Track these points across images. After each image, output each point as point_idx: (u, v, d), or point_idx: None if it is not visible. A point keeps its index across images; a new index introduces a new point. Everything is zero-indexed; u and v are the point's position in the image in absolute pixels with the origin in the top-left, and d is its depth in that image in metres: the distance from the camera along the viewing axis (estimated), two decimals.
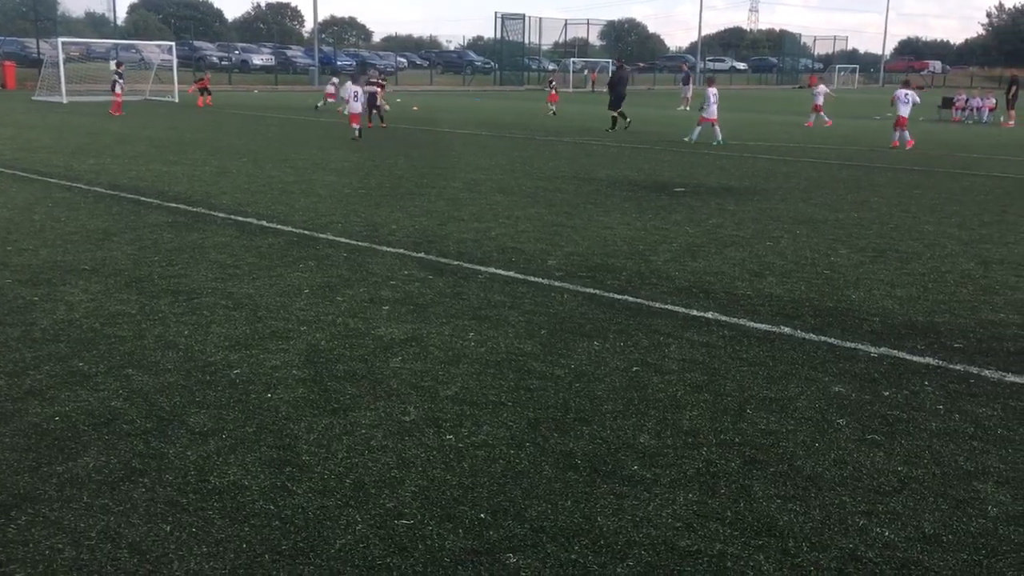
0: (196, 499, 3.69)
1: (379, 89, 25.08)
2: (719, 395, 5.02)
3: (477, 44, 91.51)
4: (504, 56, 69.43)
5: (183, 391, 4.88)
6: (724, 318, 6.52)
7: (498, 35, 69.79)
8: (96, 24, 65.44)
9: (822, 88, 29.18)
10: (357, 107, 20.77)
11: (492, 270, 7.85)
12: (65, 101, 32.34)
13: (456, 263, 8.09)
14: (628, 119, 24.39)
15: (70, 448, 4.13)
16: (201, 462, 4.03)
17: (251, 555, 3.30)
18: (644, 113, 32.21)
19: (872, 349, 5.88)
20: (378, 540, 3.42)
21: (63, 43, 34.27)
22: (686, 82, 40.87)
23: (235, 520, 3.54)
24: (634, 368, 5.42)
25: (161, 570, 3.18)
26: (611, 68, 27.59)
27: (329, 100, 31.20)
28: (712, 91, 20.87)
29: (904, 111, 20.49)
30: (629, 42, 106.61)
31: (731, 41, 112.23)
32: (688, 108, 37.21)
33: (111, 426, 4.39)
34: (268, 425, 4.46)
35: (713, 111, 20.88)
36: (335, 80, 32.64)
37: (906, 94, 20.52)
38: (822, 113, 28.74)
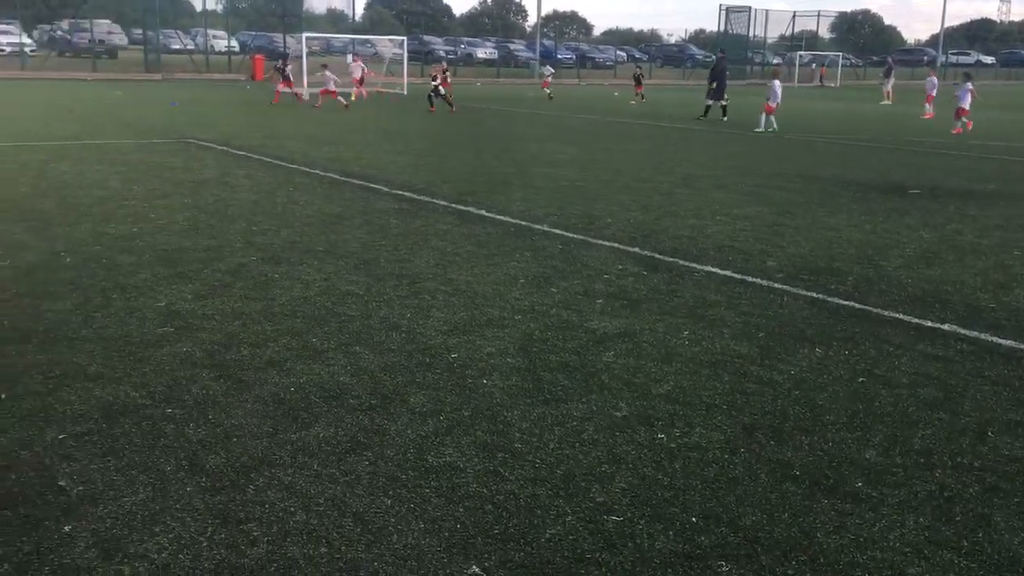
0: (414, 476, 3.83)
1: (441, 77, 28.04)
2: (956, 414, 4.65)
3: (699, 37, 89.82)
4: (727, 50, 67.68)
5: (405, 371, 5.09)
6: (963, 331, 6.04)
7: (721, 28, 68.15)
8: (335, 20, 69.65)
9: (934, 80, 29.30)
10: (331, 85, 27.12)
11: (708, 268, 7.67)
12: (306, 94, 34.58)
13: (671, 259, 7.97)
14: (726, 116, 25.49)
15: (303, 418, 4.41)
16: (420, 441, 4.18)
17: (465, 535, 3.38)
18: (846, 109, 30.51)
19: None
20: (587, 534, 3.42)
21: (307, 38, 36.68)
22: (887, 75, 40.65)
23: (450, 500, 3.64)
24: (860, 379, 5.12)
25: (381, 541, 3.33)
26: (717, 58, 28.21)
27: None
28: (777, 83, 23.07)
29: (964, 102, 22.72)
30: (862, 35, 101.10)
31: (978, 33, 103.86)
32: (891, 102, 37.12)
33: (340, 400, 4.64)
34: (483, 410, 4.57)
35: (775, 100, 22.66)
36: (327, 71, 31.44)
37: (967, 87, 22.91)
38: (929, 104, 28.64)
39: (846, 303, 6.69)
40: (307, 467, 3.89)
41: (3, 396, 4.50)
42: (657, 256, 8.10)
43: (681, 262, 7.88)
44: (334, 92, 27.18)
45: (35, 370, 4.87)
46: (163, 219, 9.15)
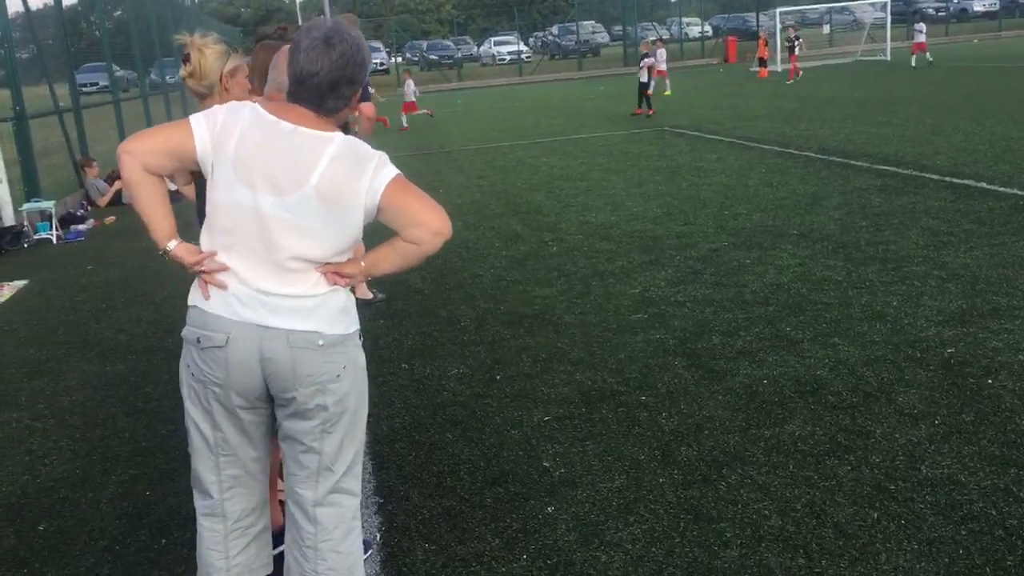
0: (905, 488, 3.41)
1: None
2: None
3: None
4: None
5: (891, 367, 4.60)
6: None
7: None
8: None
9: None
10: (410, 97, 22.71)
11: None
12: (779, 69, 33.79)
13: None
14: None
15: (776, 413, 4.18)
16: (911, 447, 3.72)
17: (969, 564, 2.91)
18: None
19: None
20: None
21: (780, 13, 35.80)
22: None
23: (949, 519, 3.17)
24: None
25: (867, 559, 2.99)
26: None
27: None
28: None
29: None
30: None
31: None
32: None
33: (816, 395, 4.33)
34: (988, 416, 3.95)
35: None
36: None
37: None
38: None
39: None
40: (782, 467, 3.66)
41: (498, 376, 4.91)
42: None
43: None
44: (414, 105, 22.49)
45: (525, 353, 5.25)
46: (638, 207, 9.43)
